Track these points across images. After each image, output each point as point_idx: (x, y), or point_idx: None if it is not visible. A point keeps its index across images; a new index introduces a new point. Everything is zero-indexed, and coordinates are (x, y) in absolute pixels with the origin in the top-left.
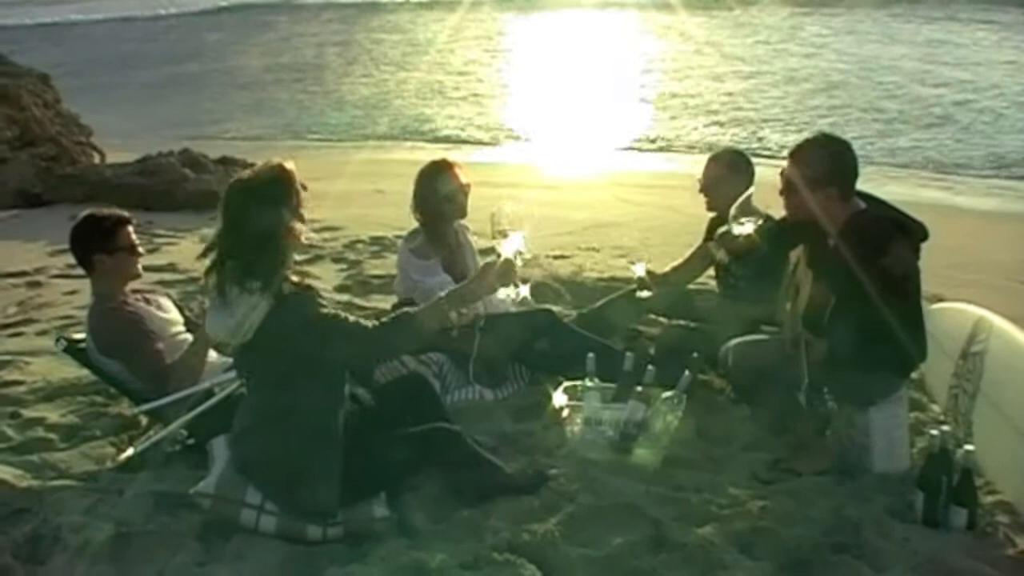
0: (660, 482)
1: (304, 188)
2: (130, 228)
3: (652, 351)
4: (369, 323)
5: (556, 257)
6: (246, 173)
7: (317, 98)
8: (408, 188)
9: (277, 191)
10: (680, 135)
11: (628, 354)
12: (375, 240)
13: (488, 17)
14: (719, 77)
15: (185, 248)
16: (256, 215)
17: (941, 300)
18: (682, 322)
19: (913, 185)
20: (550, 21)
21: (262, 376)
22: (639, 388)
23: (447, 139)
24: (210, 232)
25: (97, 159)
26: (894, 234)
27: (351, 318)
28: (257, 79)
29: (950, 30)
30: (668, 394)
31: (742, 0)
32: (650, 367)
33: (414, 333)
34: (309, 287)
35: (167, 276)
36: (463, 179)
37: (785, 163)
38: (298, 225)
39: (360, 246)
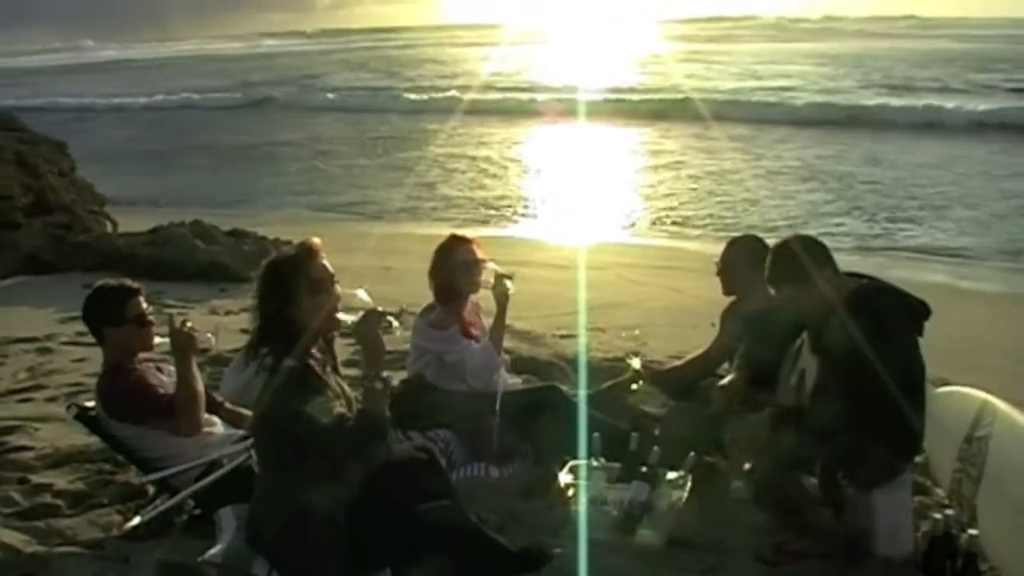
0: (664, 563)
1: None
2: (139, 299)
3: (657, 431)
4: (343, 417)
5: (562, 336)
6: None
7: (329, 179)
8: (416, 265)
9: (291, 267)
10: (687, 218)
11: (634, 434)
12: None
13: (495, 125)
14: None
15: (195, 319)
16: (269, 289)
17: (946, 383)
18: (685, 403)
19: (916, 269)
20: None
21: (263, 450)
22: (644, 468)
23: (456, 217)
24: (219, 303)
25: (109, 228)
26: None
27: (326, 415)
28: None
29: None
30: (673, 475)
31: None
32: (655, 447)
33: (369, 425)
34: (307, 367)
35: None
36: (480, 254)
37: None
38: (320, 300)
39: None
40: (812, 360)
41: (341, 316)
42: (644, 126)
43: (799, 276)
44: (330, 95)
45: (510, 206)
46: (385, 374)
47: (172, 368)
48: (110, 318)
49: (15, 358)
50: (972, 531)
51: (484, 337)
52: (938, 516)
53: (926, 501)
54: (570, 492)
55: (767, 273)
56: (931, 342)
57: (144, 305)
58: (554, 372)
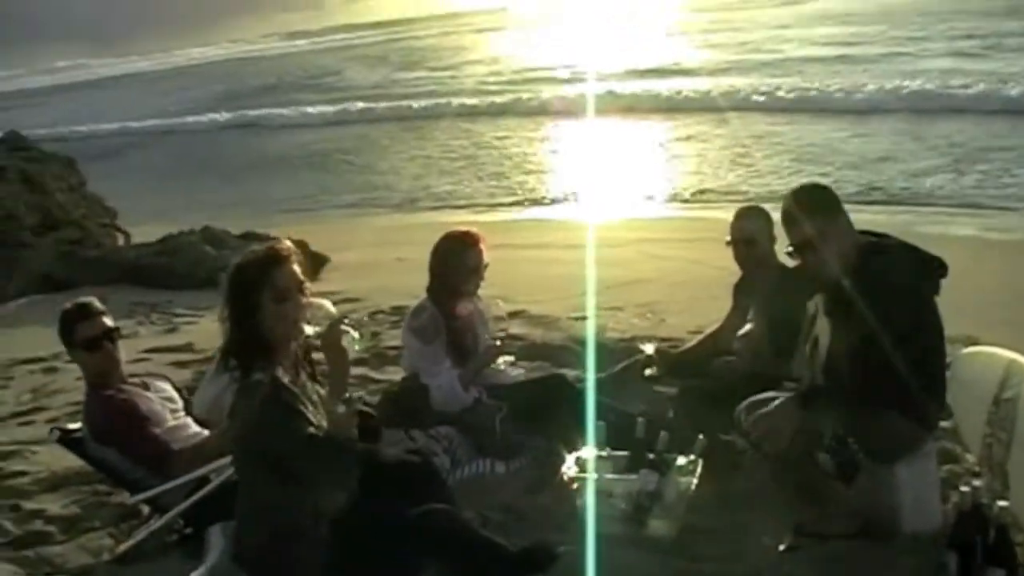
0: (677, 554)
1: (324, 260)
2: (92, 321)
3: (671, 413)
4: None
5: (578, 319)
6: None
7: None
8: (427, 254)
9: (256, 273)
10: (710, 186)
11: (640, 420)
12: (395, 310)
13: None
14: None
15: (204, 327)
16: (234, 296)
17: (974, 342)
18: (698, 382)
19: (942, 222)
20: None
21: (240, 467)
22: (651, 456)
23: (473, 203)
24: None
25: (121, 240)
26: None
27: (296, 432)
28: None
29: None
30: (682, 460)
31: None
32: (663, 432)
33: (336, 451)
34: (277, 380)
35: (184, 356)
36: (486, 257)
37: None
38: (285, 310)
39: (380, 316)
40: (826, 325)
41: (307, 330)
42: (663, 118)
43: (833, 209)
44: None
45: (530, 190)
46: (358, 394)
47: (160, 384)
48: (65, 343)
49: (20, 379)
50: (1003, 502)
51: (481, 337)
52: (965, 488)
53: (956, 469)
54: (576, 485)
55: (798, 211)
56: (960, 298)
57: (105, 323)
58: (567, 357)
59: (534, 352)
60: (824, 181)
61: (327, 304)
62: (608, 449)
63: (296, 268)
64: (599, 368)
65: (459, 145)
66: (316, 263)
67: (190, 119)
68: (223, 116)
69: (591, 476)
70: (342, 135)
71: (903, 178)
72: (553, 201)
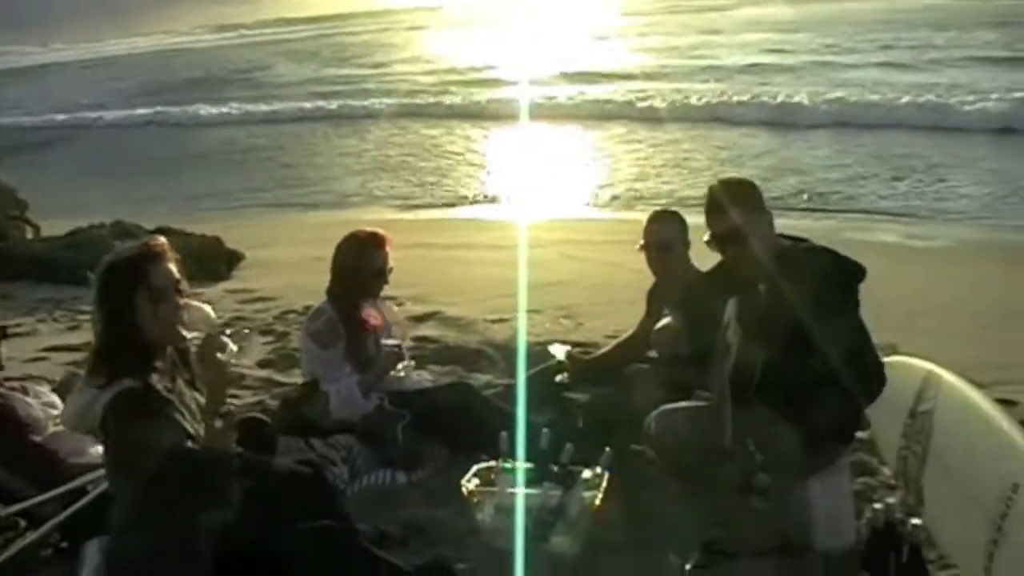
0: (579, 572)
1: (239, 258)
2: None
3: (580, 423)
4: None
5: (494, 321)
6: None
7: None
8: None
9: (129, 271)
10: (634, 189)
11: (545, 430)
12: (308, 309)
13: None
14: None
15: None
16: (106, 296)
17: (895, 351)
18: (609, 390)
19: (865, 228)
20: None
21: (112, 480)
22: (556, 468)
23: (396, 202)
24: None
25: (30, 234)
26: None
27: (170, 445)
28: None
29: None
30: (588, 473)
31: None
32: (568, 444)
33: (211, 465)
34: (150, 387)
35: (77, 356)
36: (391, 258)
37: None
38: (163, 310)
39: (291, 316)
40: (737, 331)
41: (184, 333)
42: (592, 122)
43: (759, 203)
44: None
45: (454, 190)
46: (258, 399)
47: (39, 388)
48: None
49: None
50: (915, 520)
51: (392, 328)
52: (878, 506)
53: (871, 482)
54: (476, 499)
55: (725, 199)
56: (882, 306)
57: None
58: (481, 361)
59: (446, 356)
60: None
61: (206, 308)
62: (511, 460)
63: (172, 266)
64: (511, 374)
65: (385, 144)
66: (230, 260)
67: (117, 113)
68: (150, 111)
69: (491, 490)
70: (269, 132)
71: (826, 184)
72: (476, 201)
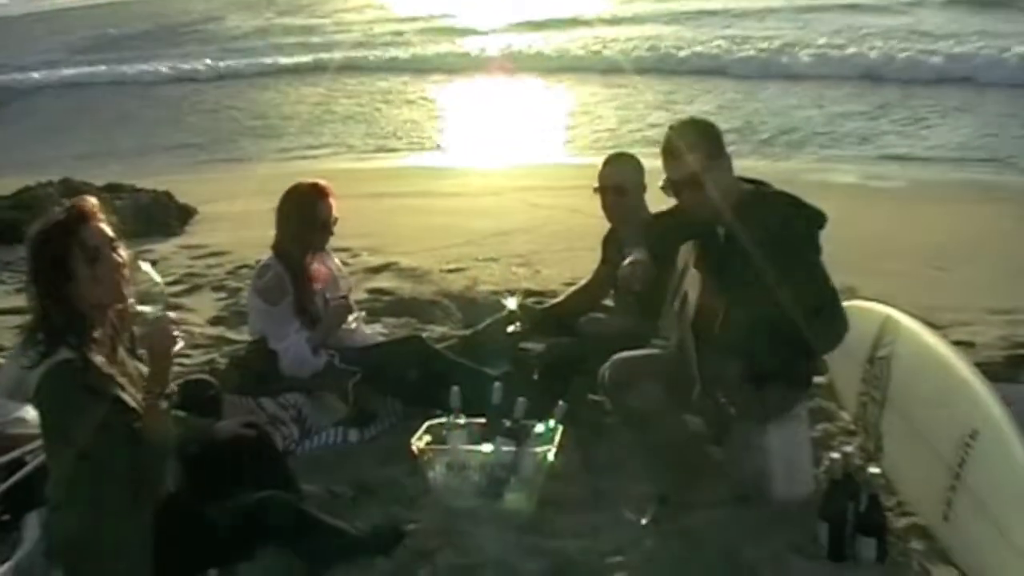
0: (534, 530)
1: (191, 213)
2: None
3: (535, 375)
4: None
5: (450, 271)
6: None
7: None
8: None
9: (61, 235)
10: (595, 133)
11: (496, 384)
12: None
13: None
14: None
15: None
16: (39, 264)
17: (854, 295)
18: (564, 340)
19: (824, 170)
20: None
21: (48, 452)
22: (508, 424)
23: (354, 152)
24: None
25: None
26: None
27: (105, 418)
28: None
29: None
30: (541, 428)
31: None
32: (521, 398)
33: (148, 445)
34: (87, 359)
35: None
36: (335, 208)
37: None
38: (100, 271)
39: (244, 271)
40: (696, 280)
41: (139, 308)
42: (554, 70)
43: (719, 146)
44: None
45: (411, 139)
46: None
47: None
48: None
49: None
50: (873, 469)
51: (340, 281)
52: (835, 455)
53: (831, 428)
54: (427, 456)
55: (682, 143)
56: (840, 247)
57: None
58: (436, 313)
59: (401, 308)
60: None
61: (151, 272)
62: (463, 416)
63: (105, 226)
64: (467, 326)
65: (343, 95)
66: (182, 215)
67: (64, 71)
68: (96, 68)
69: (442, 447)
70: (224, 87)
71: (787, 127)
72: (433, 149)
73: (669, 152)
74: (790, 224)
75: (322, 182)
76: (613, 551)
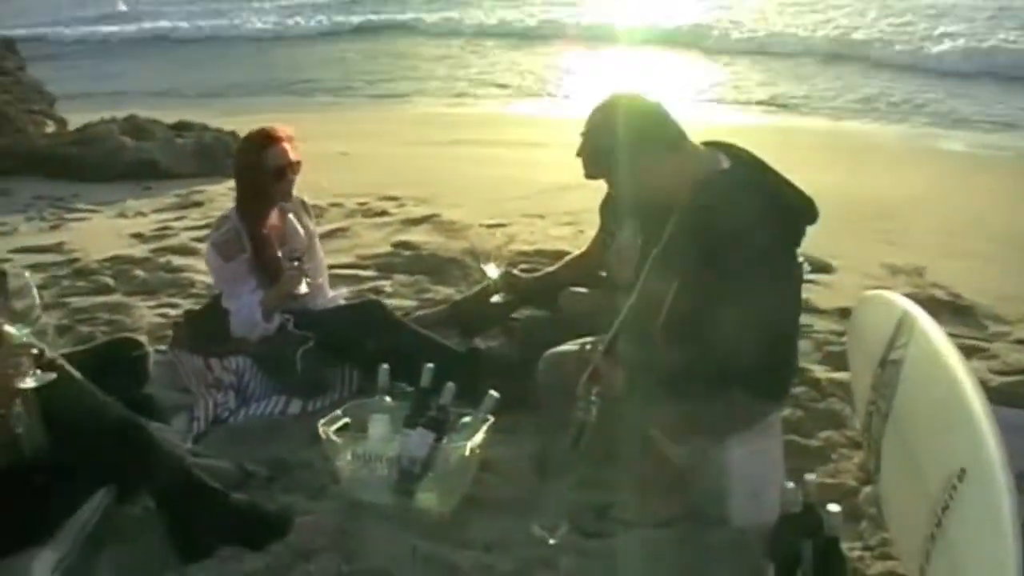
0: (440, 535)
1: None
2: None
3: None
4: None
5: (489, 226)
6: None
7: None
8: (376, 150)
9: None
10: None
11: (428, 366)
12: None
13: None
14: None
15: (92, 227)
16: None
17: (921, 275)
18: (540, 314)
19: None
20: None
21: None
22: (433, 412)
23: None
24: (134, 204)
25: (52, 128)
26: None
27: None
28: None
29: None
30: (466, 419)
31: None
32: (449, 384)
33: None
34: None
35: (44, 258)
36: (293, 155)
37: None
38: None
39: None
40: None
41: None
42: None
43: (647, 141)
44: None
45: (496, 87)
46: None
47: None
48: None
49: None
50: (832, 507)
51: (295, 239)
52: (790, 484)
53: (836, 438)
54: (333, 443)
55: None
56: (919, 221)
57: None
58: (453, 272)
59: (418, 264)
60: None
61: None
62: (390, 398)
63: None
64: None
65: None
66: None
67: (147, 24)
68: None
69: (352, 435)
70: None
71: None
72: (520, 97)
73: (584, 145)
74: (751, 217)
75: (273, 126)
76: (521, 568)
